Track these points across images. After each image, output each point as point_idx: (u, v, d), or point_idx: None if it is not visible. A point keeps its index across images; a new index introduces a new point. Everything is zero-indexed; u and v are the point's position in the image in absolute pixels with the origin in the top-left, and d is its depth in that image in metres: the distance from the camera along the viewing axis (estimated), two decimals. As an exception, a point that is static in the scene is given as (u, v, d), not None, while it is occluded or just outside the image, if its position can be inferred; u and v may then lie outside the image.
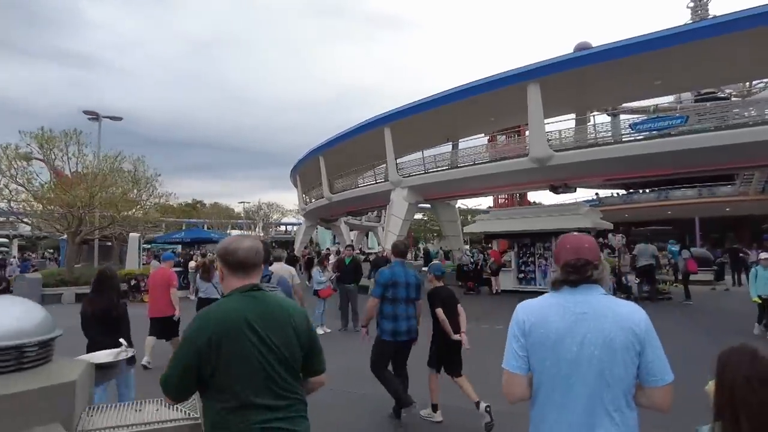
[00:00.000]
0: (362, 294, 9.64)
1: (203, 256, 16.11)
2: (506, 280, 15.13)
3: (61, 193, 14.21)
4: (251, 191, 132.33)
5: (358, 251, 21.92)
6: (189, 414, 1.85)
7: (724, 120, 13.77)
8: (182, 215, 48.50)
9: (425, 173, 19.48)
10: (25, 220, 17.68)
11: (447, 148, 21.31)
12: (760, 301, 7.78)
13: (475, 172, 17.35)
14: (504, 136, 21.09)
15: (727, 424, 1.28)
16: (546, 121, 15.39)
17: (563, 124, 17.22)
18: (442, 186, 18.89)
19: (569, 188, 17.81)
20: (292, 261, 7.71)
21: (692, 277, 12.89)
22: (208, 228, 39.12)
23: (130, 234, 17.85)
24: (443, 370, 4.34)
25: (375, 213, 37.84)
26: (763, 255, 8.07)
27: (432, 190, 19.64)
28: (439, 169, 19.32)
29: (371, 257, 15.92)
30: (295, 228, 47.36)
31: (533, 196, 35.55)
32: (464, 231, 21.67)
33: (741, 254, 16.81)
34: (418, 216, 34.24)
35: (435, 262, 7.01)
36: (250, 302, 1.59)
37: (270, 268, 6.15)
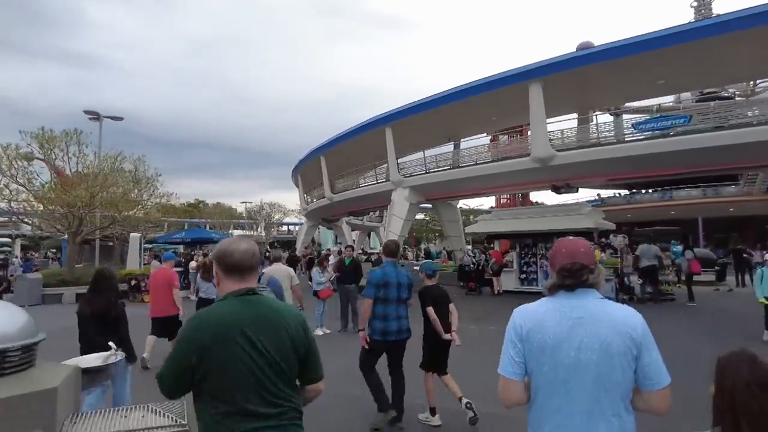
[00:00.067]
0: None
1: (205, 256, 16.09)
2: (508, 281, 15.04)
3: (62, 193, 14.24)
4: (252, 191, 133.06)
5: (360, 251, 21.90)
6: (177, 421, 1.81)
7: (728, 120, 13.70)
8: (184, 215, 48.45)
9: (427, 173, 19.44)
10: (26, 220, 17.72)
11: (448, 147, 21.22)
12: (766, 302, 7.73)
13: (476, 172, 17.31)
14: (506, 136, 21.04)
15: (728, 430, 1.27)
16: (548, 120, 15.33)
17: (565, 123, 17.23)
18: (443, 186, 18.86)
19: (571, 188, 17.72)
20: (293, 261, 7.70)
21: (695, 278, 12.82)
22: (210, 228, 39.15)
23: (131, 234, 17.86)
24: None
25: (377, 213, 37.83)
26: None
27: (433, 190, 19.60)
28: (440, 169, 19.27)
29: (373, 257, 15.87)
30: (297, 228, 47.40)
31: (535, 196, 35.56)
32: (466, 231, 21.60)
33: (745, 255, 16.72)
34: (419, 216, 34.21)
35: (426, 260, 6.97)
36: (244, 306, 1.56)
37: (268, 268, 6.17)
